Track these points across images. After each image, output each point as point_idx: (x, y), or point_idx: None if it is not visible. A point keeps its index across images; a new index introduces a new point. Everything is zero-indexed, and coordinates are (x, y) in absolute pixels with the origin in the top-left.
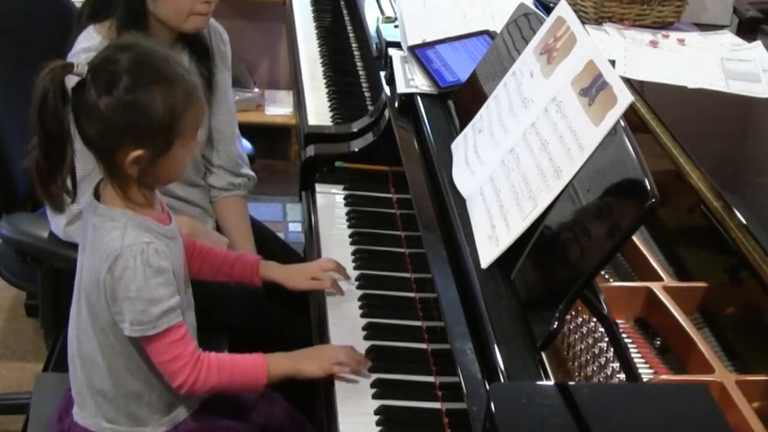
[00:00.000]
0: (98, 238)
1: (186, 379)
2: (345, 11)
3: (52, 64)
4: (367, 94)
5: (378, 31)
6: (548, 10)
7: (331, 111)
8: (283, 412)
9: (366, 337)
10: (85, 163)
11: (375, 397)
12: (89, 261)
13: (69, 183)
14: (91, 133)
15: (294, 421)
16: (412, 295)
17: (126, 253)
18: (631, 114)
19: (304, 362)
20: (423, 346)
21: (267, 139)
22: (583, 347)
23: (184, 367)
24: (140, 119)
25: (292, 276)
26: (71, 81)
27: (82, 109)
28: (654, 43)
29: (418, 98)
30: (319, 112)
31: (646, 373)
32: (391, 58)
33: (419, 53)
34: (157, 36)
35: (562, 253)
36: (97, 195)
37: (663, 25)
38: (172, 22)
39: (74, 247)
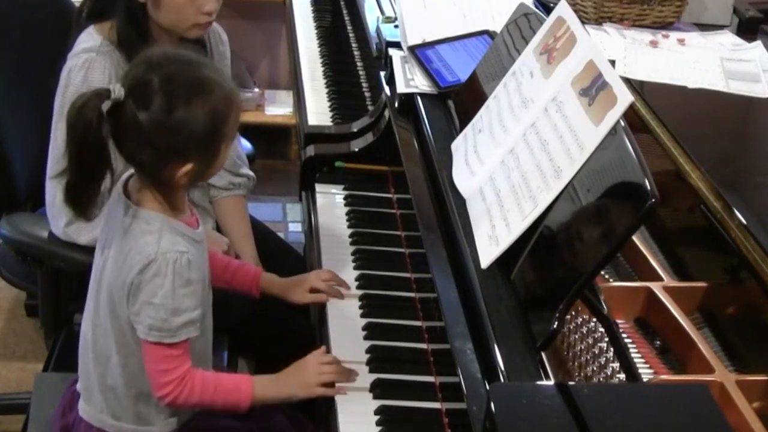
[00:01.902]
0: (130, 239)
1: (169, 392)
2: (345, 11)
3: (87, 95)
4: (367, 94)
5: (378, 31)
6: (548, 10)
7: (331, 111)
8: (283, 413)
9: (366, 337)
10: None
11: (375, 397)
12: (116, 261)
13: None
14: (141, 156)
15: (294, 421)
16: (412, 295)
17: (160, 259)
18: (631, 114)
19: (289, 386)
20: (423, 346)
21: (267, 139)
22: (583, 347)
23: (171, 381)
24: (188, 137)
25: (291, 290)
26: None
27: (124, 131)
28: (654, 43)
29: (418, 98)
30: (319, 112)
31: (646, 373)
32: (391, 58)
33: (419, 53)
34: (158, 39)
35: (562, 253)
36: (126, 193)
37: (663, 25)
38: (174, 31)
39: (74, 247)
